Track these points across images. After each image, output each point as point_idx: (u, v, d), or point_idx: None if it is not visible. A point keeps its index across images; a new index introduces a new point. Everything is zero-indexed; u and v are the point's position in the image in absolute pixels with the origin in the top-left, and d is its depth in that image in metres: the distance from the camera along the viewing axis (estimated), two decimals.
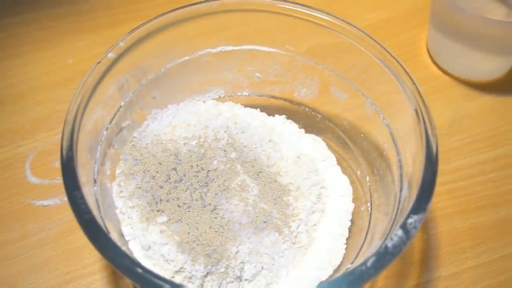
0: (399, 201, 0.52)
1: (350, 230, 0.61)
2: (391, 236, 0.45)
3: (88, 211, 0.45)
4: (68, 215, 0.66)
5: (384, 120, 0.59)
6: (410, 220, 0.45)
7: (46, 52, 0.84)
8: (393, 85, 0.57)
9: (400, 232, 0.44)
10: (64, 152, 0.49)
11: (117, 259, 0.43)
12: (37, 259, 0.63)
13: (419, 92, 0.54)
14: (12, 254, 0.63)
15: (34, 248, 0.64)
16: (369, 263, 0.43)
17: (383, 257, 0.43)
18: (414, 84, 0.55)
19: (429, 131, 0.51)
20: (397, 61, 0.57)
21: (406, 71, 0.56)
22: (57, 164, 0.70)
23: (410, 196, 0.49)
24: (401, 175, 0.55)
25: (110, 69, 0.56)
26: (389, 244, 0.44)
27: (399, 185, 0.54)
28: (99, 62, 0.55)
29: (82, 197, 0.46)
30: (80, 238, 0.64)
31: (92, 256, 0.63)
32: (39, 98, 0.78)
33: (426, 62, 0.84)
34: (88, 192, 0.49)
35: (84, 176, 0.50)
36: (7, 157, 0.71)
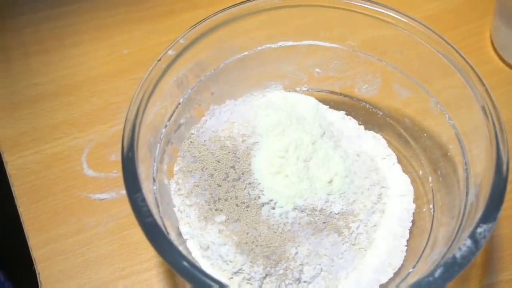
0: (465, 206, 0.51)
1: (410, 231, 0.60)
2: (460, 245, 0.44)
3: (149, 213, 0.46)
4: (125, 209, 0.66)
5: (450, 120, 0.58)
6: (479, 230, 0.44)
7: (102, 42, 0.84)
8: (457, 81, 0.55)
9: (469, 242, 0.43)
10: (125, 151, 0.49)
11: (178, 264, 0.43)
12: (93, 253, 0.64)
13: (486, 90, 0.52)
14: (68, 248, 0.64)
15: (91, 242, 0.64)
16: (436, 274, 0.42)
17: (451, 268, 0.43)
18: (481, 81, 0.53)
19: (498, 131, 0.50)
20: (462, 56, 0.55)
21: (471, 67, 0.54)
22: (114, 157, 0.71)
23: (478, 203, 0.48)
24: (467, 178, 0.54)
25: (170, 66, 0.56)
26: (458, 254, 0.43)
27: (465, 188, 0.53)
28: (159, 60, 0.55)
29: (143, 200, 0.46)
30: (136, 233, 0.65)
31: (148, 252, 0.63)
32: (96, 89, 0.78)
33: (490, 55, 0.82)
34: (148, 190, 0.50)
35: (144, 175, 0.50)
36: (63, 149, 0.72)
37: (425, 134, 0.63)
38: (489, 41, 0.83)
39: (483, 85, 0.53)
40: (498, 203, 0.45)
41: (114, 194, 0.68)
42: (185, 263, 0.43)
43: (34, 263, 0.63)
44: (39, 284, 0.61)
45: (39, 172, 0.70)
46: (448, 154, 0.59)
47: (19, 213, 0.67)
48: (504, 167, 0.47)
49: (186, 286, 0.61)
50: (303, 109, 0.64)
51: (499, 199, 0.46)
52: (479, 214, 0.45)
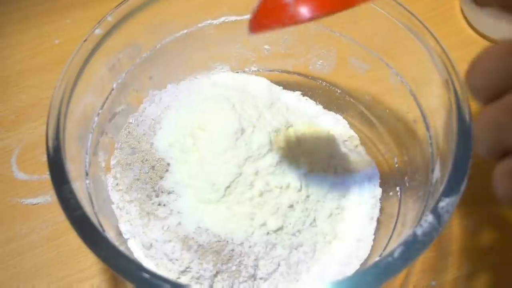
0: (431, 183, 0.52)
1: (378, 218, 0.61)
2: (421, 222, 0.44)
3: (78, 206, 0.46)
4: (61, 213, 0.64)
5: (412, 93, 0.59)
6: (441, 204, 0.45)
7: (29, 32, 0.84)
8: (420, 53, 0.56)
9: (430, 218, 0.44)
10: (50, 142, 0.49)
11: (113, 260, 0.43)
12: (27, 264, 0.64)
13: (449, 60, 0.53)
14: None
15: (24, 252, 0.64)
16: (396, 254, 0.43)
17: (412, 246, 0.43)
18: (443, 50, 0.54)
19: (462, 102, 0.50)
20: (424, 25, 0.56)
21: (434, 37, 0.55)
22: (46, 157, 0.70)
23: (442, 176, 0.49)
24: (432, 154, 0.55)
25: (98, 47, 0.56)
26: (419, 231, 0.44)
27: (430, 165, 0.54)
28: (85, 40, 0.55)
29: (71, 191, 0.46)
30: (74, 238, 0.63)
31: (89, 259, 0.63)
32: (24, 85, 0.78)
33: (461, 25, 0.83)
34: (80, 186, 0.50)
35: (74, 168, 0.50)
36: None
37: (387, 111, 0.64)
38: (459, 10, 0.85)
39: (446, 55, 0.54)
40: (461, 175, 0.46)
41: (48, 198, 0.68)
42: (122, 258, 0.43)
43: None
44: None
45: None
46: (413, 129, 0.59)
47: None
48: (468, 135, 0.48)
49: None
50: (254, 91, 0.65)
51: (463, 170, 0.46)
52: (442, 188, 0.46)
